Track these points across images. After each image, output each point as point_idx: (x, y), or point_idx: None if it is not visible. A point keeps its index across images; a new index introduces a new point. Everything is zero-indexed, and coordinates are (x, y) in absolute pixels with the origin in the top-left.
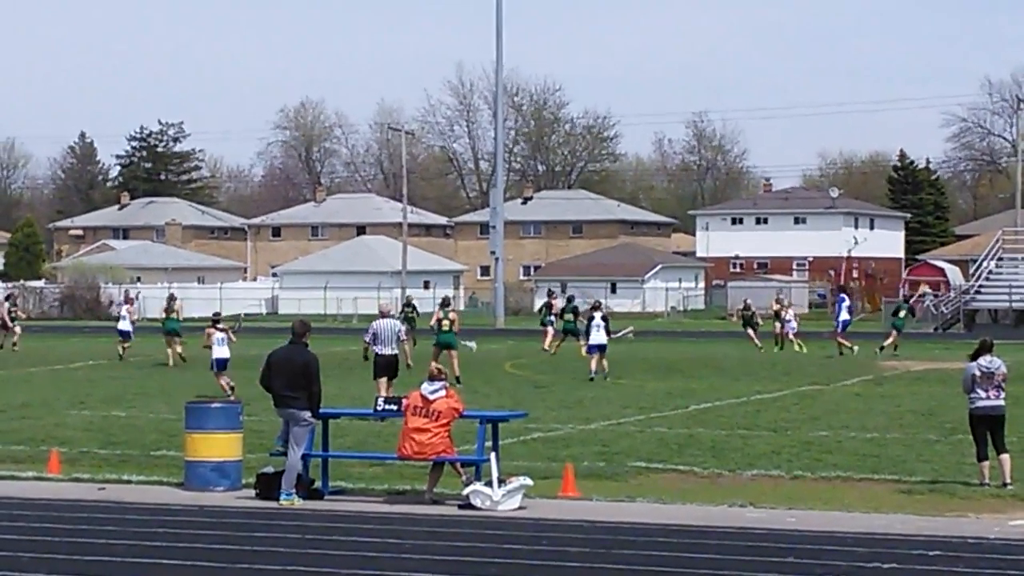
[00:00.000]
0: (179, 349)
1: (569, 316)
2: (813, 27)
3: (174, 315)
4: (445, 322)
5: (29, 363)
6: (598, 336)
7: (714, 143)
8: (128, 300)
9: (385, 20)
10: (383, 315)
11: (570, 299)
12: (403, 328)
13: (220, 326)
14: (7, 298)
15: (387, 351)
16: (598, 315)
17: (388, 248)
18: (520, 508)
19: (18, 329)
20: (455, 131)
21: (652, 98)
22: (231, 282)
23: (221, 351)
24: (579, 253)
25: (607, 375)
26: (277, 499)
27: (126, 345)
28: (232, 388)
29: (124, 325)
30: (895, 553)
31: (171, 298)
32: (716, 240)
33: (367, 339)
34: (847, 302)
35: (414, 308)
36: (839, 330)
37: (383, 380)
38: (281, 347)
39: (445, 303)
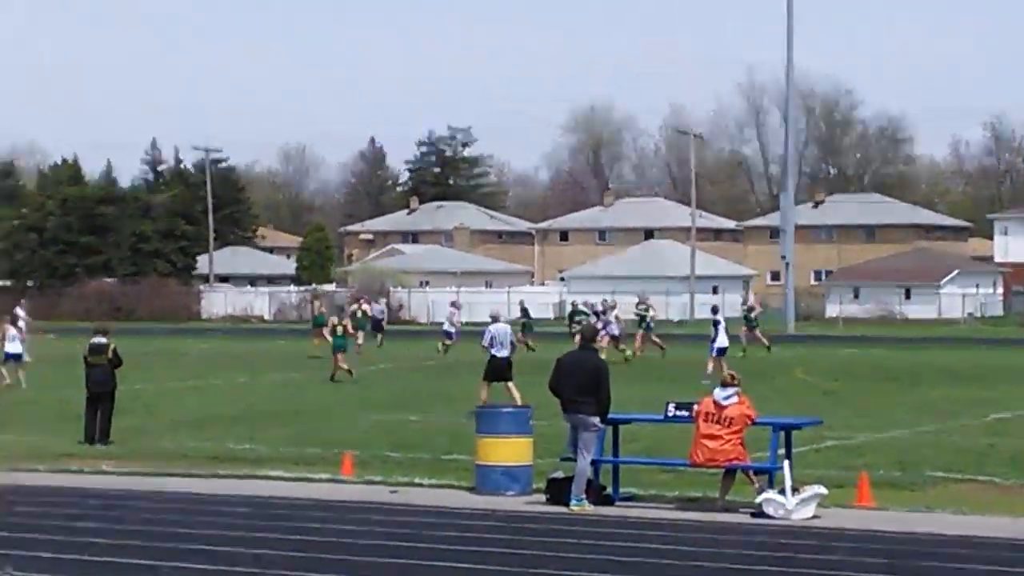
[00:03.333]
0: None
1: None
2: None
3: (320, 313)
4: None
5: (322, 367)
6: (722, 339)
7: (1014, 145)
8: (455, 305)
9: (674, 23)
10: (495, 319)
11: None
12: (513, 332)
13: (19, 324)
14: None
15: (503, 353)
16: (721, 318)
17: (677, 252)
18: (814, 517)
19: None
20: (744, 134)
21: (948, 99)
22: (518, 286)
23: (13, 346)
24: (872, 258)
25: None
26: (567, 504)
27: (447, 343)
28: (20, 380)
29: (448, 327)
30: None
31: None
32: (1016, 245)
33: (485, 343)
34: None
35: (527, 313)
36: None
37: (491, 383)
38: (570, 352)
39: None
